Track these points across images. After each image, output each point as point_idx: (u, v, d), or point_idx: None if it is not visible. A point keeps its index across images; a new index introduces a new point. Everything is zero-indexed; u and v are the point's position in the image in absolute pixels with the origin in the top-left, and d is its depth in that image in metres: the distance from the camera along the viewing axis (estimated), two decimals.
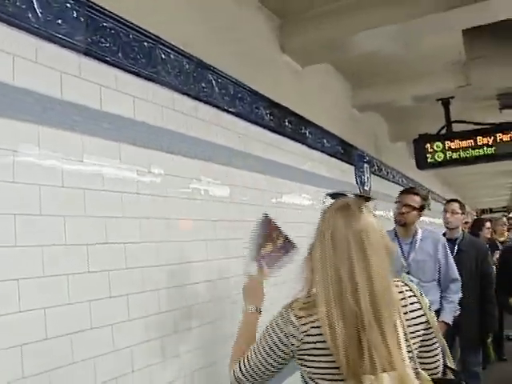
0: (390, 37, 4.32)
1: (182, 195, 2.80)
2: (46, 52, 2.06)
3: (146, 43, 2.62)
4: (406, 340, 1.56)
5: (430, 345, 1.70)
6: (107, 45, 2.36)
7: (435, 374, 1.71)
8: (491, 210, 30.37)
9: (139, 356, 2.37)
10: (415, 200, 3.96)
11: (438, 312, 3.82)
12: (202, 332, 2.86)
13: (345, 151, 5.89)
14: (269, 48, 4.18)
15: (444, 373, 1.74)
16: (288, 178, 4.14)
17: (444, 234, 4.84)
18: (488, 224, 7.78)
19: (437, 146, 6.50)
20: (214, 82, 3.19)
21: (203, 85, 3.08)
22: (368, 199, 1.71)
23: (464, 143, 6.41)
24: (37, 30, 2.01)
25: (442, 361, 1.73)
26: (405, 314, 1.59)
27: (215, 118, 3.19)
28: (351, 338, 1.49)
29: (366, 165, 6.64)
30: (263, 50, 4.06)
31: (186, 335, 2.73)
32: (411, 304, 1.63)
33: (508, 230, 8.68)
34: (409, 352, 1.55)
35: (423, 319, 1.64)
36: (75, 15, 2.20)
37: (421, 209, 3.98)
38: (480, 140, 6.34)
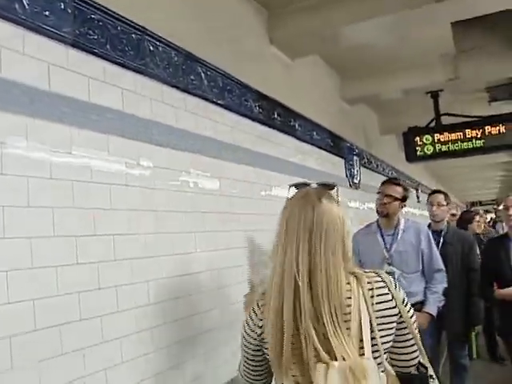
0: (379, 29, 4.34)
1: (170, 187, 2.81)
2: (34, 43, 2.06)
3: (134, 35, 2.62)
4: (372, 331, 1.53)
5: (404, 340, 1.66)
6: (95, 37, 2.36)
7: (408, 368, 1.70)
8: (480, 203, 30.56)
9: (128, 347, 2.38)
10: (397, 190, 3.93)
11: (422, 303, 3.82)
12: (192, 323, 2.87)
13: (334, 144, 5.91)
14: (258, 40, 4.18)
15: (417, 368, 1.73)
16: (277, 171, 4.14)
17: (429, 226, 4.84)
18: (478, 217, 7.79)
19: (426, 139, 6.54)
20: (202, 74, 3.19)
21: (192, 77, 3.09)
22: (330, 187, 1.71)
23: (453, 136, 6.46)
24: (24, 22, 2.01)
25: (416, 356, 1.69)
26: (373, 304, 1.56)
27: (204, 111, 3.19)
28: (288, 328, 1.50)
29: (355, 157, 6.66)
30: (252, 43, 4.06)
31: (176, 326, 2.74)
32: (380, 295, 1.60)
33: (495, 223, 8.70)
34: (373, 345, 1.52)
35: (394, 311, 1.61)
36: (62, 7, 2.19)
37: (403, 199, 3.97)
38: (469, 133, 6.39)
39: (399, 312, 1.61)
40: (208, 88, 3.24)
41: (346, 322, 1.52)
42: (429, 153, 6.56)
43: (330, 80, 6.10)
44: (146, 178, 2.63)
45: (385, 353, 1.60)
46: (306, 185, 1.73)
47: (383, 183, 4.08)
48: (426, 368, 1.69)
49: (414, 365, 1.70)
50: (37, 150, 2.02)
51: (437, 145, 6.52)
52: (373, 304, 1.57)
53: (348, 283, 1.57)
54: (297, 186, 1.74)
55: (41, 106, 2.06)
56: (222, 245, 3.18)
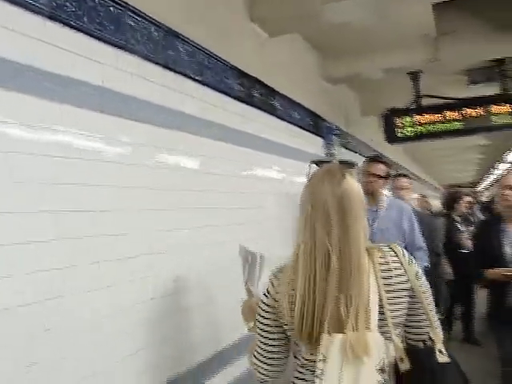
0: (360, 8, 4.32)
1: (148, 164, 2.79)
2: (9, 15, 2.02)
3: (112, 8, 2.58)
4: (381, 306, 1.58)
5: (415, 314, 1.71)
6: (72, 9, 2.32)
7: (419, 342, 1.73)
8: (459, 186, 30.83)
9: (108, 324, 2.39)
10: (380, 168, 3.95)
11: None
12: (175, 301, 2.88)
13: (314, 123, 5.91)
14: (238, 17, 4.14)
15: (424, 342, 1.76)
16: (256, 149, 4.14)
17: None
18: (466, 198, 7.75)
19: (406, 121, 6.57)
20: (182, 50, 3.16)
21: (171, 53, 3.05)
22: (351, 165, 1.74)
23: (433, 117, 6.51)
24: None
25: (425, 331, 1.72)
26: (384, 278, 1.61)
27: (183, 87, 3.16)
28: (312, 294, 1.55)
29: (335, 137, 6.66)
30: (232, 19, 4.02)
31: (157, 303, 2.74)
32: (394, 269, 1.64)
33: (472, 205, 8.76)
34: (382, 319, 1.57)
35: (406, 286, 1.65)
36: None
37: (386, 177, 3.99)
38: (448, 115, 6.44)
39: (411, 286, 1.65)
40: (187, 64, 3.21)
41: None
42: (408, 134, 6.60)
43: (310, 59, 6.07)
44: (125, 154, 2.61)
45: (396, 326, 1.64)
46: (327, 162, 1.76)
47: (366, 161, 4.08)
48: (433, 342, 1.71)
49: (422, 335, 1.74)
50: (12, 125, 2.00)
51: (416, 126, 6.57)
52: (385, 278, 1.62)
53: None
54: (318, 162, 1.77)
55: (17, 80, 2.02)
56: (200, 222, 3.19)
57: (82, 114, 2.34)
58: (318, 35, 5.52)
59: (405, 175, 5.16)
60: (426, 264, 3.99)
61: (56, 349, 2.10)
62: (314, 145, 5.89)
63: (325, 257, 1.55)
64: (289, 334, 1.69)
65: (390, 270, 1.64)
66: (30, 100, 2.07)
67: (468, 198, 7.83)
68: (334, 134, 6.65)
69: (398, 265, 1.66)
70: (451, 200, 7.18)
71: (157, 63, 2.92)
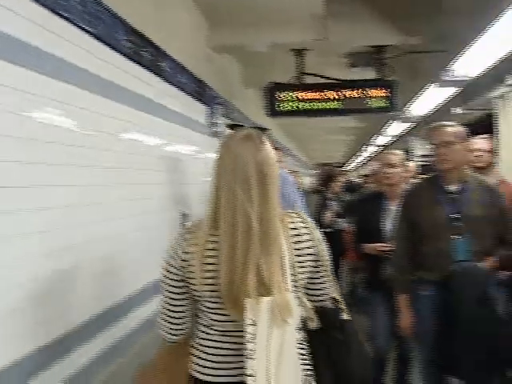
0: None
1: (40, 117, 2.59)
2: None
3: None
4: (293, 268, 1.64)
5: (319, 277, 1.81)
6: None
7: (323, 302, 1.84)
8: (332, 165, 32.03)
9: None
10: None
11: None
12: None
13: (199, 90, 5.83)
14: None
15: (333, 302, 1.87)
16: (140, 109, 4.00)
17: None
18: (341, 177, 7.96)
19: (286, 95, 6.70)
20: None
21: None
22: (264, 130, 1.78)
23: (313, 95, 6.70)
24: None
25: (328, 292, 1.85)
26: (294, 243, 1.68)
27: (71, 35, 2.95)
28: (237, 259, 1.57)
29: (218, 106, 6.63)
30: None
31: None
32: (303, 235, 1.72)
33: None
34: (293, 281, 1.63)
35: (312, 251, 1.73)
36: None
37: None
38: (328, 94, 6.66)
39: (317, 252, 1.75)
40: (77, 11, 3.00)
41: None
42: (288, 109, 6.74)
43: (197, 23, 5.94)
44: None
45: (303, 288, 1.74)
46: (241, 126, 1.79)
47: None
48: (338, 301, 1.85)
49: (323, 297, 1.85)
50: None
51: (296, 102, 6.72)
52: (295, 242, 1.69)
53: None
54: (233, 126, 1.79)
55: None
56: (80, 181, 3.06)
57: None
58: (208, 1, 5.45)
59: (277, 148, 5.26)
60: None
61: None
62: (198, 112, 5.84)
63: (246, 221, 1.57)
64: (197, 294, 1.69)
65: (299, 234, 1.72)
66: None
67: (342, 178, 8.13)
68: (218, 104, 6.63)
69: (306, 230, 1.74)
70: (327, 178, 7.40)
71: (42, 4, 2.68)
